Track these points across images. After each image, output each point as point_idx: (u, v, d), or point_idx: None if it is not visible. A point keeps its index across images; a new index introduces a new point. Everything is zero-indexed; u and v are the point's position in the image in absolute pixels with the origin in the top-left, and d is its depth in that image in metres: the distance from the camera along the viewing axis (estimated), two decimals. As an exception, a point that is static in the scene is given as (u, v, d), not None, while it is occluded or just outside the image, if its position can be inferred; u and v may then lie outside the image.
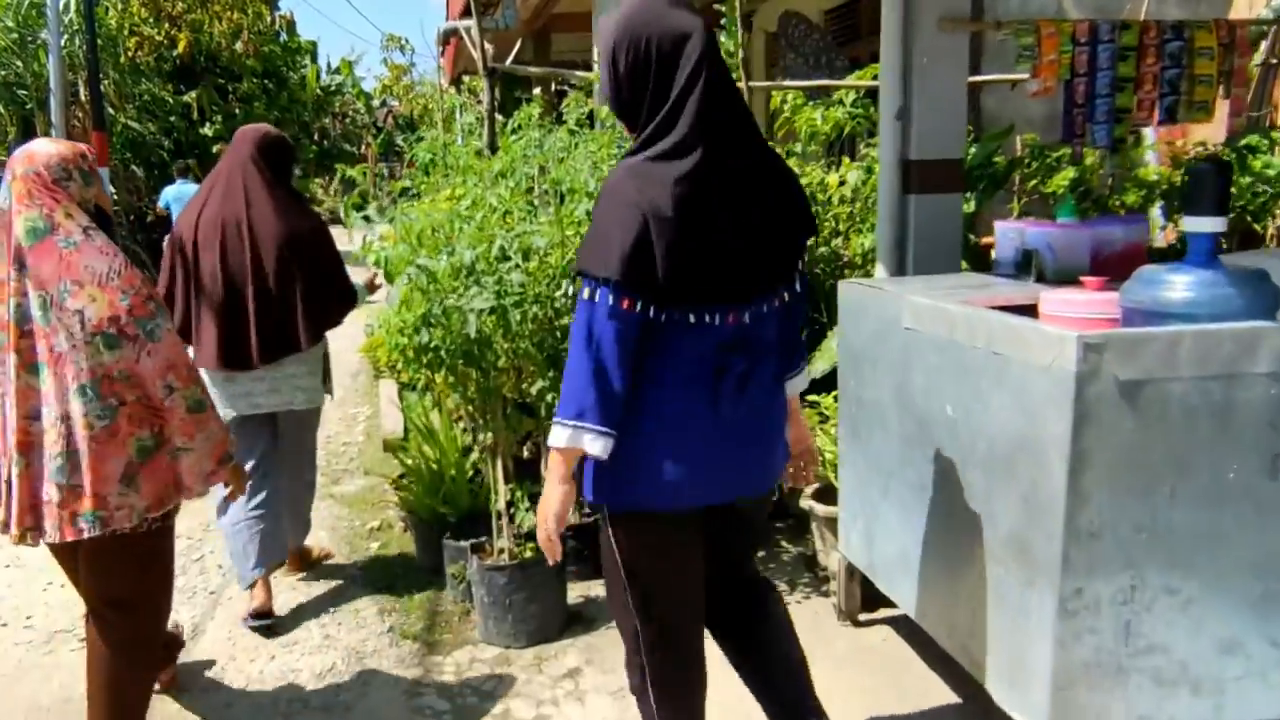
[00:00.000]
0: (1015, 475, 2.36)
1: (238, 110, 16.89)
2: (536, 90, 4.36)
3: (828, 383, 4.64)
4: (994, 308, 2.73)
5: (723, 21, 5.20)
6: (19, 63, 13.12)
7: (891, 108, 3.69)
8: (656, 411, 2.08)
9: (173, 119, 15.82)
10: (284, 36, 18.66)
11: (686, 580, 2.27)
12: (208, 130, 16.45)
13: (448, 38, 8.92)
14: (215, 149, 16.16)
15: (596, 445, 2.02)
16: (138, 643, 2.77)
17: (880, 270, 3.83)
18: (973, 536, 2.57)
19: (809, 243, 2.92)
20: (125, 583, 2.69)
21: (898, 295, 2.96)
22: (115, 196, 13.47)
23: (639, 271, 1.94)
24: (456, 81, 15.86)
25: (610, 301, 1.97)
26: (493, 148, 4.65)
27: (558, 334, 3.89)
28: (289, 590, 4.19)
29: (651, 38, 2.01)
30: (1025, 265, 3.17)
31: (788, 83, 5.49)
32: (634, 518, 2.19)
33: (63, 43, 12.79)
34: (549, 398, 3.81)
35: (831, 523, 3.71)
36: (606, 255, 1.96)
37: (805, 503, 3.89)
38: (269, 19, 18.23)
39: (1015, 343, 2.34)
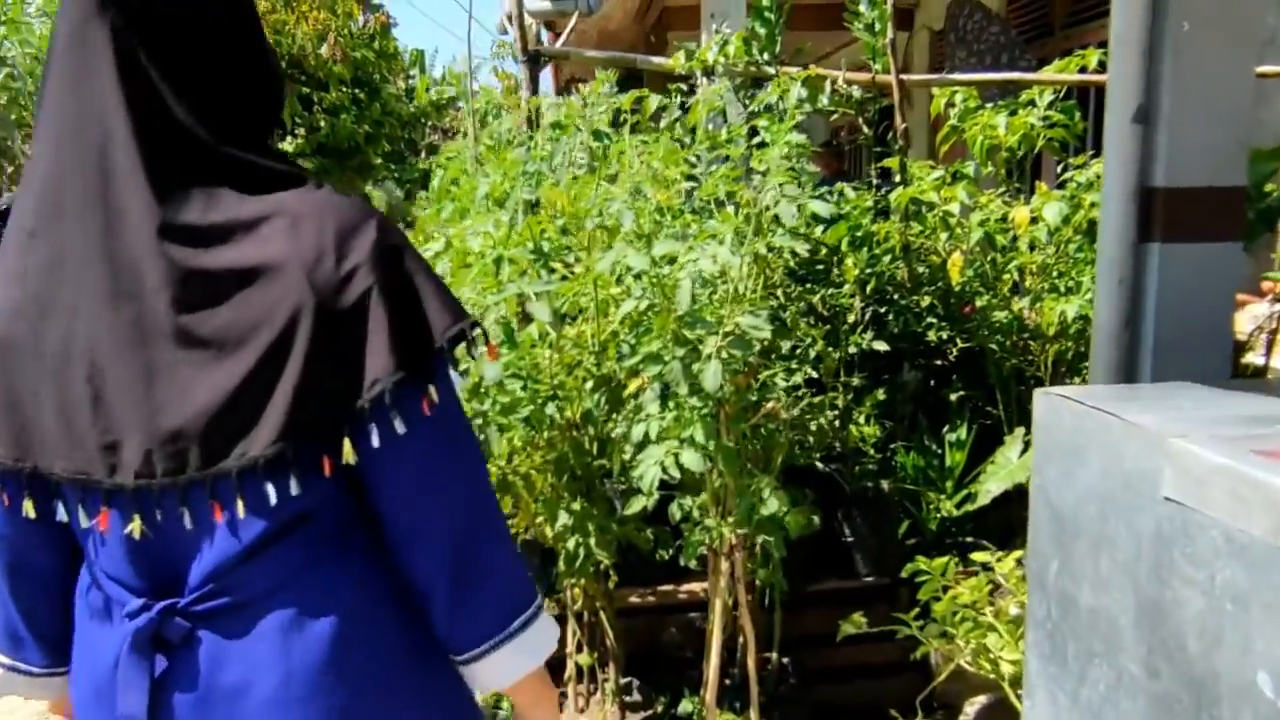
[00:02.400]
0: None
1: (323, 123, 16.37)
2: (617, 93, 3.30)
3: (1001, 510, 3.48)
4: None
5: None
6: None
7: (1126, 105, 2.50)
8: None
9: (248, 132, 15.35)
10: (379, 41, 18.16)
11: None
12: (288, 145, 15.94)
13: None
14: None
15: (21, 686, 1.47)
16: None
17: (1097, 362, 2.62)
18: None
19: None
20: None
21: (1150, 434, 1.77)
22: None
23: None
24: (566, 89, 15.00)
25: None
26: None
27: (589, 449, 2.81)
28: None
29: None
30: (1381, 378, 1.94)
31: (957, 76, 4.32)
32: None
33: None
34: (572, 542, 2.72)
35: (1010, 773, 2.51)
36: None
37: (967, 733, 2.70)
38: (361, 19, 17.75)
39: None
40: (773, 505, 2.46)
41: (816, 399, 3.48)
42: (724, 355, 2.37)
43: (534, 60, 3.90)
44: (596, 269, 2.43)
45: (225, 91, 1.26)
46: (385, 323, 1.19)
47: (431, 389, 1.23)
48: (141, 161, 1.17)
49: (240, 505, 1.19)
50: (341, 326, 1.18)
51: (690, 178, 3.20)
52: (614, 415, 2.69)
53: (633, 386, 2.71)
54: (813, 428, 3.46)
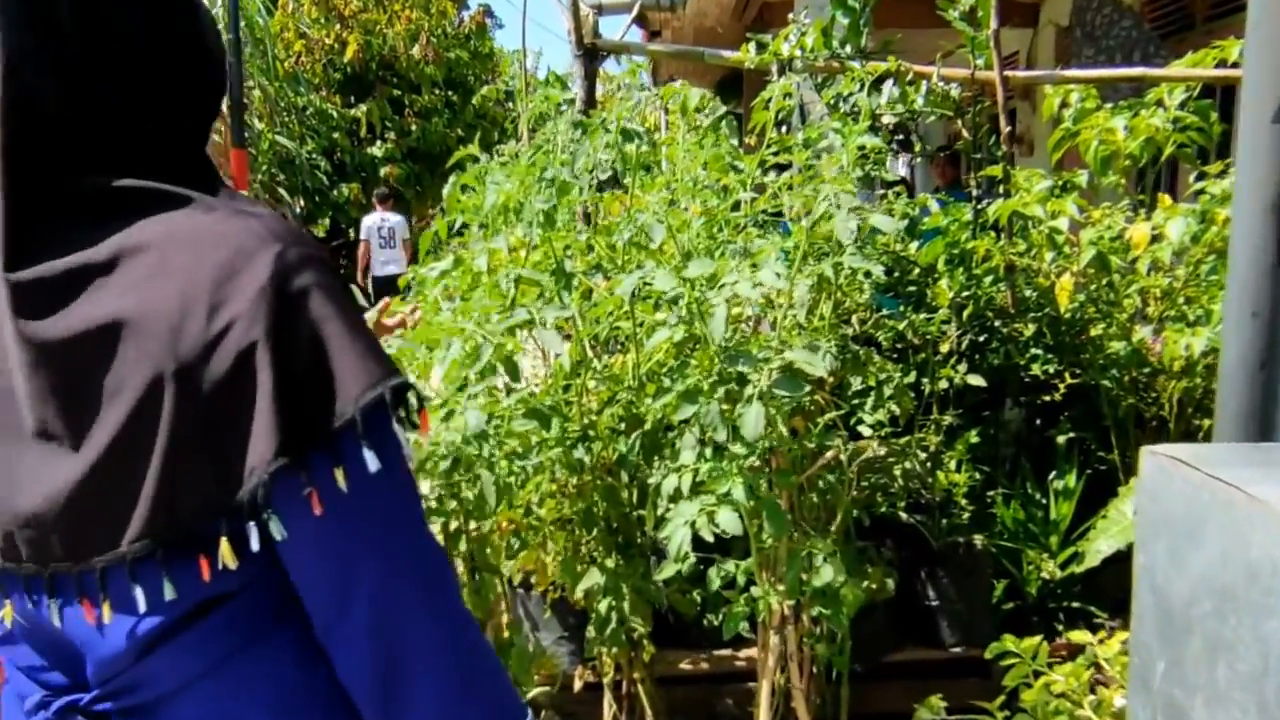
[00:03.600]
0: None
1: (414, 127, 16.43)
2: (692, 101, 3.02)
3: (1114, 570, 3.16)
4: None
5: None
6: (154, 68, 12.97)
7: (1264, 102, 2.17)
8: None
9: (335, 135, 15.48)
10: (474, 41, 18.19)
11: None
12: (377, 150, 16.03)
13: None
14: (383, 172, 15.73)
15: None
16: None
17: (1224, 411, 2.29)
18: None
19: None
20: None
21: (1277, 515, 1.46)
22: (255, 225, 13.07)
23: None
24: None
25: None
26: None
27: (626, 497, 2.57)
28: None
29: None
30: None
31: (1071, 73, 3.98)
32: None
33: (203, 44, 12.53)
34: (604, 605, 2.48)
35: None
36: None
37: None
38: (456, 19, 17.79)
39: None
40: (826, 574, 2.18)
41: (902, 440, 3.19)
42: (771, 395, 2.11)
43: (590, 54, 3.67)
44: (617, 292, 2.18)
45: (135, 97, 1.06)
46: (270, 392, 0.96)
47: (338, 474, 0.99)
48: (4, 189, 0.99)
49: (106, 607, 1.00)
50: (215, 399, 0.96)
51: (760, 187, 2.95)
52: (652, 460, 2.44)
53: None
54: (896, 473, 3.18)
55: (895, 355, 3.47)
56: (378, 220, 12.93)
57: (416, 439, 1.12)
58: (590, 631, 2.52)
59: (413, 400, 1.04)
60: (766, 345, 2.22)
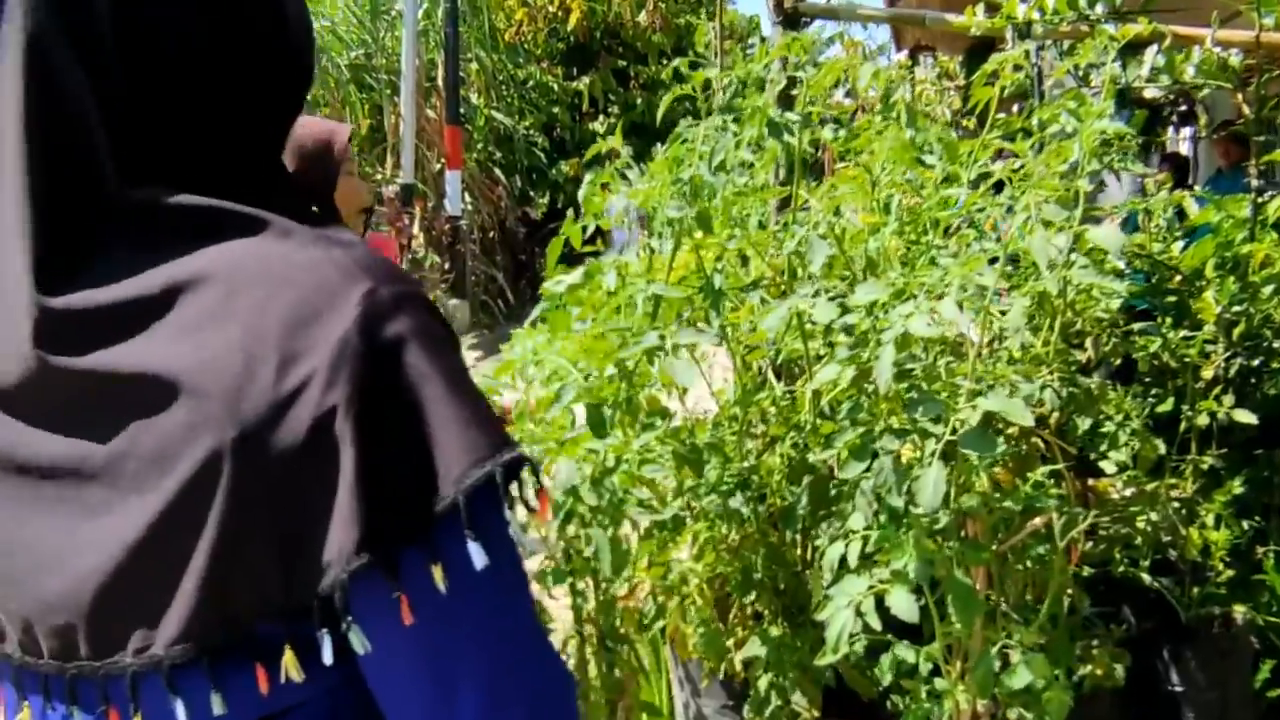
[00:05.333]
0: None
1: (639, 100, 16.41)
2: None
3: None
4: None
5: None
6: (370, 39, 13.29)
7: None
8: None
9: (555, 110, 15.60)
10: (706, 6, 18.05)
11: None
12: (599, 125, 16.08)
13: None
14: (605, 149, 15.76)
15: None
16: None
17: None
18: None
19: None
20: None
21: None
22: (468, 207, 13.26)
23: None
24: (912, 59, 14.30)
25: None
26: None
27: (793, 555, 2.32)
28: None
29: None
30: None
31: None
32: None
33: (420, 14, 12.78)
34: (764, 682, 2.23)
35: None
36: None
37: None
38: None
39: None
40: (1024, 676, 1.85)
41: (1149, 484, 2.84)
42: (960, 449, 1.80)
43: (790, 21, 3.39)
44: (761, 326, 1.91)
45: (190, 97, 0.93)
46: (352, 470, 0.80)
47: (435, 573, 0.82)
48: (30, 209, 0.85)
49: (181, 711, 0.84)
50: (284, 475, 0.81)
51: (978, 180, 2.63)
52: (822, 515, 2.16)
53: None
54: (1140, 524, 2.82)
55: (1147, 381, 3.11)
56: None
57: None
58: (747, 712, 2.27)
59: (528, 478, 0.87)
60: (959, 384, 1.91)
